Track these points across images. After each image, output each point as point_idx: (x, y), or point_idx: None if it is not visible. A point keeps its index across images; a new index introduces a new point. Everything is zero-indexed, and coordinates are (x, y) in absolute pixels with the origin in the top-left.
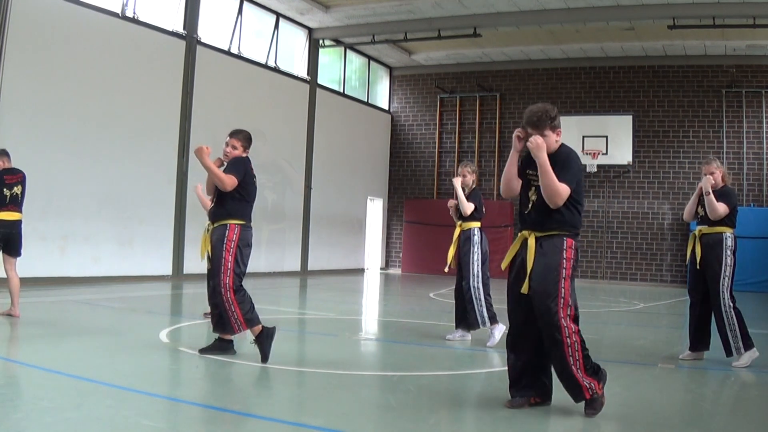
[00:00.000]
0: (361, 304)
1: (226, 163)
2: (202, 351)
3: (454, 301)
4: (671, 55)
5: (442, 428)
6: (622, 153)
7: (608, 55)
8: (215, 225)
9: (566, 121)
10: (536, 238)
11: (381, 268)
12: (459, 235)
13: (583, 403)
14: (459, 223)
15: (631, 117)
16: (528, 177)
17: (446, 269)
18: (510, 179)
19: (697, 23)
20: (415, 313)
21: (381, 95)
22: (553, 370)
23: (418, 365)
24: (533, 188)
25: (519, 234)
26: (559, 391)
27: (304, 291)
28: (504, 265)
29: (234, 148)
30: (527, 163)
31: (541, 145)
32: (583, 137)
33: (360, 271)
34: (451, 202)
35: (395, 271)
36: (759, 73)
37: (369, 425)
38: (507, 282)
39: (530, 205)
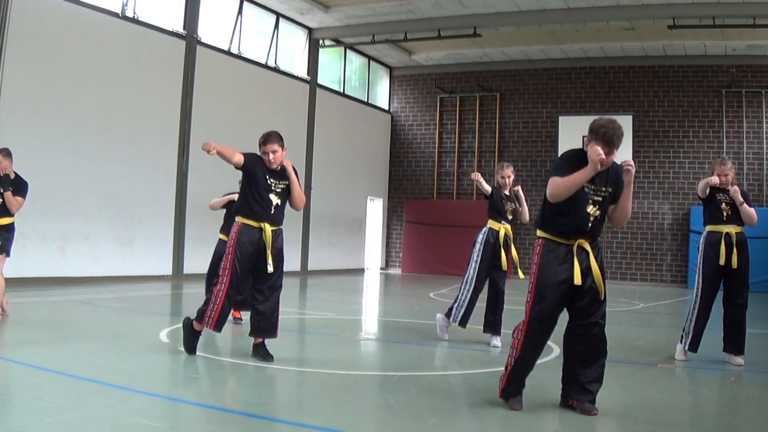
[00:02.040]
0: (361, 304)
1: (279, 168)
2: (263, 357)
3: (467, 301)
4: (671, 55)
5: (442, 428)
6: (621, 153)
7: (608, 55)
8: (277, 228)
9: (566, 122)
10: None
11: (381, 268)
12: (505, 237)
13: (586, 403)
14: (506, 225)
15: (631, 117)
16: (584, 191)
17: (522, 274)
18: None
19: (697, 23)
20: (415, 313)
21: (381, 95)
22: (588, 371)
23: (418, 365)
24: (592, 204)
25: (576, 243)
26: (556, 391)
27: (304, 291)
28: None
29: (274, 151)
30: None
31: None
32: (583, 137)
33: (360, 271)
34: (509, 206)
35: (395, 271)
36: (759, 73)
37: (369, 425)
38: (559, 289)
39: (592, 220)
